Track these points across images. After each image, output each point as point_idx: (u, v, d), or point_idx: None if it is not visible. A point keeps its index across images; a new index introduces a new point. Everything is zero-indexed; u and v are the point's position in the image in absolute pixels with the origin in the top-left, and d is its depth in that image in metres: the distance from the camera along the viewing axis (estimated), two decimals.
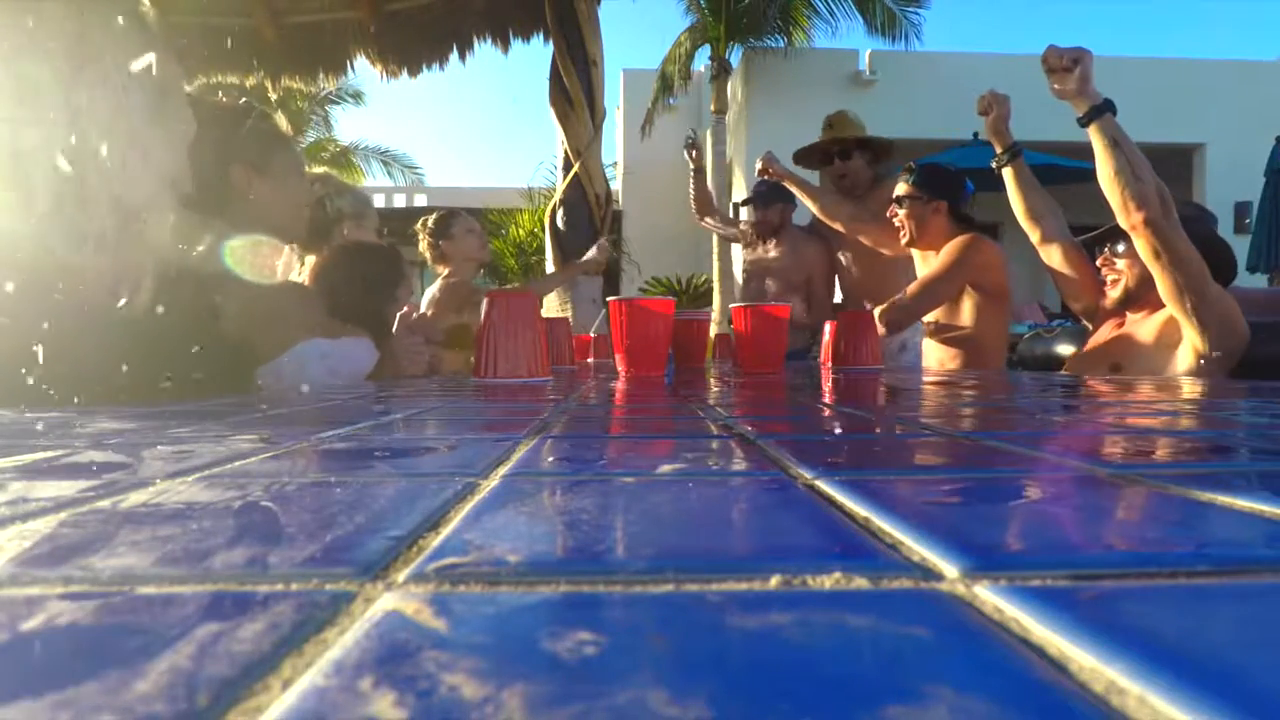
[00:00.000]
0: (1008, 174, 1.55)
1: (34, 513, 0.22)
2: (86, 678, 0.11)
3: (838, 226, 2.17)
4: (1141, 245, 1.23)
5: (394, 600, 0.15)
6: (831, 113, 2.43)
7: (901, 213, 1.87)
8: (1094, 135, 1.26)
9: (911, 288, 1.82)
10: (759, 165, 2.25)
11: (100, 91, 0.78)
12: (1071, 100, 1.29)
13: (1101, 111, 1.25)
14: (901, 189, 1.88)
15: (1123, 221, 1.25)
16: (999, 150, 1.56)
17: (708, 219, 2.70)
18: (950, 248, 1.80)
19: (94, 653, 0.12)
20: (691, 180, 2.56)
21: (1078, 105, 1.28)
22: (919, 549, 0.18)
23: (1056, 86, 1.30)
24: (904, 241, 1.91)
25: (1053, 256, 1.54)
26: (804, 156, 2.43)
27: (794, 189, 2.24)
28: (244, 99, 1.17)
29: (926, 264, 1.93)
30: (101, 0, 0.81)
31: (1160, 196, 1.22)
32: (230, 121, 1.09)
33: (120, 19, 0.82)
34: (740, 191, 7.65)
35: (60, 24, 0.77)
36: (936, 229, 1.83)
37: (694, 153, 2.51)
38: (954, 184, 1.85)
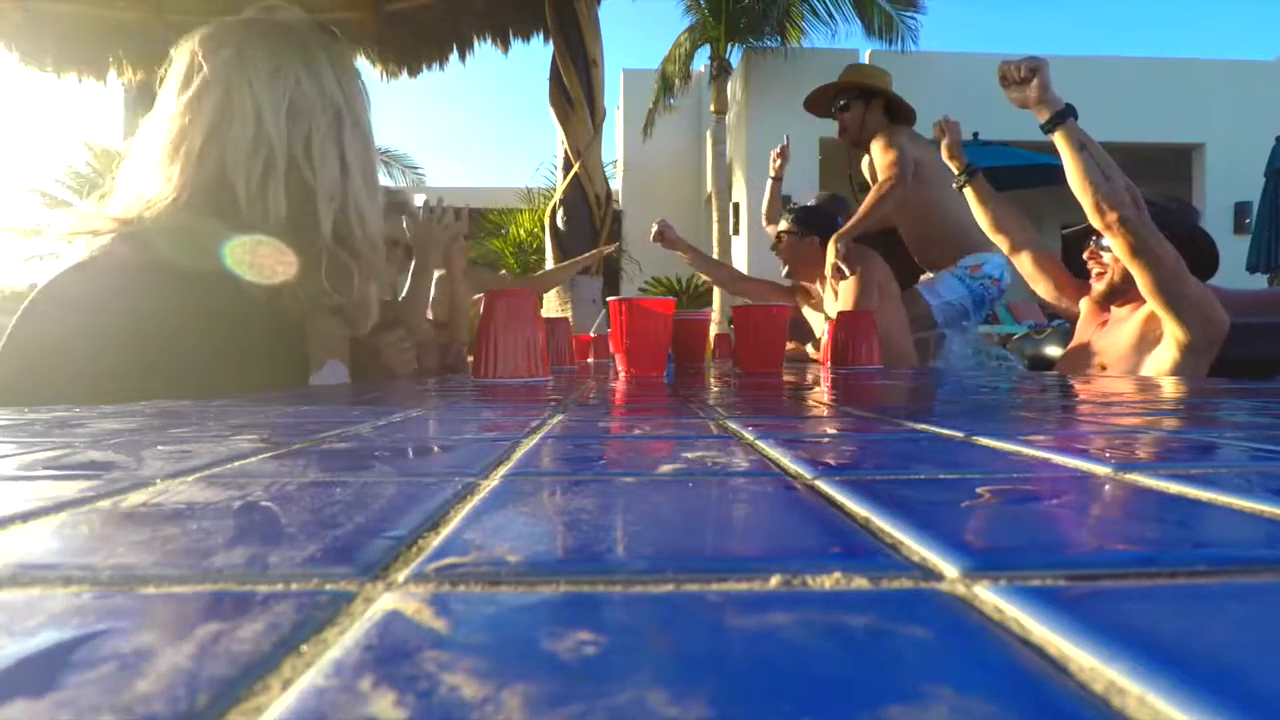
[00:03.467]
0: (968, 193, 1.60)
1: (34, 513, 0.22)
2: (86, 678, 0.11)
3: (724, 289, 2.49)
4: (1117, 244, 1.25)
5: (394, 600, 0.15)
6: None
7: (781, 246, 2.17)
8: (1059, 141, 1.28)
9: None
10: (653, 231, 2.36)
11: (358, 147, 0.91)
12: (1033, 109, 1.31)
13: (1064, 117, 1.28)
14: (782, 225, 2.19)
15: (1096, 222, 1.26)
16: (956, 172, 1.60)
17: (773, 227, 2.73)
18: (850, 283, 1.99)
19: (94, 653, 0.12)
20: (768, 187, 2.56)
21: (1039, 113, 1.31)
22: (919, 549, 0.18)
23: (1014, 96, 1.33)
24: (784, 273, 2.22)
25: (1024, 265, 1.58)
26: (812, 104, 2.49)
27: (684, 256, 2.46)
28: None
29: (820, 292, 2.17)
30: (352, 67, 0.94)
31: (1131, 194, 1.23)
32: None
33: (363, 84, 0.95)
34: (740, 192, 7.65)
35: (334, 83, 0.89)
36: (811, 260, 2.14)
37: (779, 161, 2.50)
38: (827, 221, 2.14)
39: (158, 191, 0.82)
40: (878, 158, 2.20)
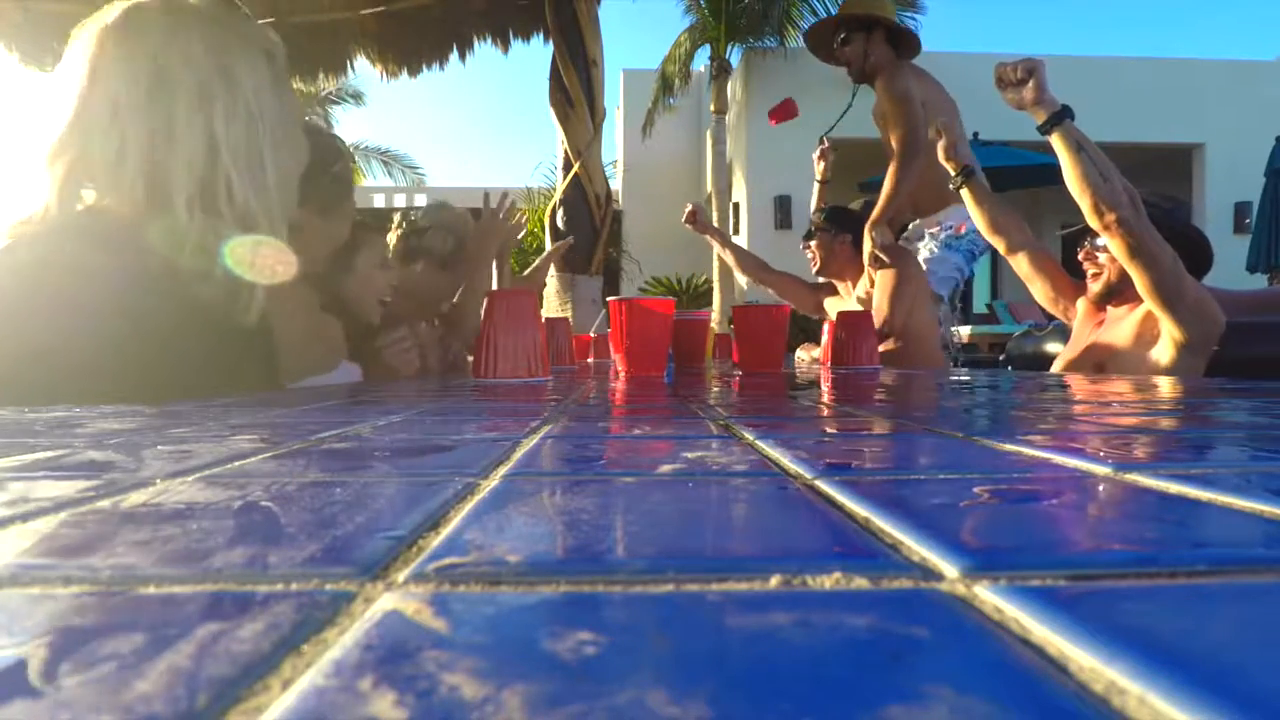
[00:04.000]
0: (965, 194, 1.61)
1: (34, 513, 0.22)
2: (86, 678, 0.11)
3: (749, 278, 2.48)
4: (1115, 244, 1.25)
5: (394, 600, 0.15)
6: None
7: (813, 244, 2.21)
8: (1057, 142, 1.28)
9: (879, 317, 1.96)
10: (686, 212, 2.41)
11: (237, 120, 0.87)
12: (1029, 110, 1.31)
13: (1061, 118, 1.28)
14: (812, 227, 2.23)
15: (1093, 223, 1.26)
16: (953, 173, 1.61)
17: None
18: (884, 280, 2.01)
19: (94, 653, 0.12)
20: (815, 191, 2.53)
21: (1036, 114, 1.31)
22: (919, 549, 0.18)
23: (1011, 98, 1.33)
24: (814, 269, 2.24)
25: (1021, 265, 1.59)
26: (814, 45, 2.46)
27: (712, 241, 2.51)
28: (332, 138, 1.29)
29: (850, 291, 2.19)
30: (241, 38, 0.91)
31: (1128, 195, 1.23)
32: (324, 162, 1.19)
33: (258, 56, 0.92)
34: (740, 192, 7.65)
35: (205, 57, 0.87)
36: (843, 258, 2.18)
37: (823, 164, 2.47)
38: (858, 221, 2.16)
39: (38, 191, 0.82)
40: (888, 113, 2.15)
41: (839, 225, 2.17)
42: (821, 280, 2.32)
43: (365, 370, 1.24)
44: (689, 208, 2.38)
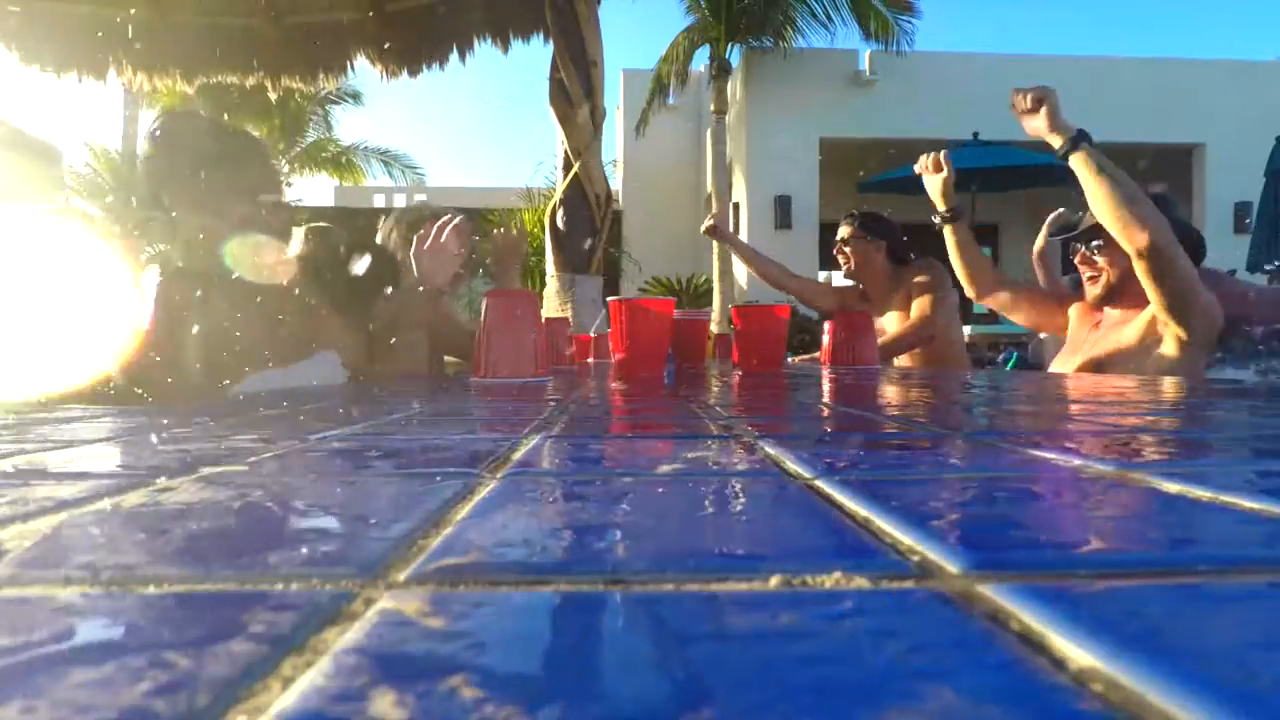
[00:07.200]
0: (947, 232, 1.62)
1: (34, 513, 0.22)
2: (86, 677, 0.11)
3: (772, 285, 2.48)
4: (1143, 268, 1.22)
5: (394, 600, 0.15)
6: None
7: (847, 250, 2.19)
8: (1078, 167, 1.26)
9: (924, 322, 2.00)
10: (705, 225, 2.43)
11: None
12: (1046, 138, 1.29)
13: (1078, 143, 1.25)
14: (846, 231, 2.20)
15: (1128, 247, 1.23)
16: (943, 208, 1.60)
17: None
18: (926, 287, 2.03)
19: (94, 652, 0.12)
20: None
21: (1052, 140, 1.28)
22: (919, 549, 0.18)
23: (1028, 126, 1.32)
24: (844, 272, 2.25)
25: (1000, 303, 1.65)
26: None
27: (732, 249, 2.51)
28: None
29: (882, 301, 2.19)
30: None
31: (1154, 218, 1.22)
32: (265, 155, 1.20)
33: None
34: (740, 192, 7.64)
35: None
36: (877, 264, 2.17)
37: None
38: (892, 227, 2.18)
39: None
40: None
41: (873, 232, 2.18)
42: (849, 285, 2.31)
43: (379, 366, 1.24)
44: (708, 221, 2.41)
